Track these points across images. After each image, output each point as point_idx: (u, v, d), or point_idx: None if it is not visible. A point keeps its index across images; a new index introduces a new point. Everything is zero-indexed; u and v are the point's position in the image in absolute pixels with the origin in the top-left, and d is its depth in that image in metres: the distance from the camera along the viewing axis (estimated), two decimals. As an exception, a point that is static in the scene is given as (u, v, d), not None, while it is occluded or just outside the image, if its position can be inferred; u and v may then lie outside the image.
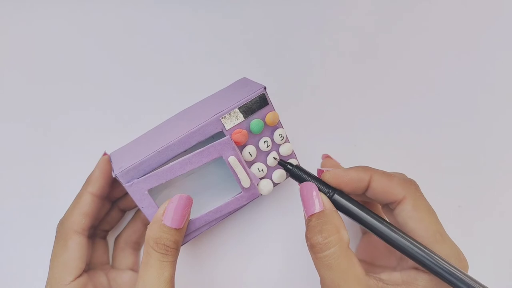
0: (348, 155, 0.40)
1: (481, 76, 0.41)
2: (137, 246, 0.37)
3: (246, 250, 0.39)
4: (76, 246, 0.31)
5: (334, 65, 0.40)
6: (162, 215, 0.29)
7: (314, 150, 0.39)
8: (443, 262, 0.26)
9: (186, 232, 0.32)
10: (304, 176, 0.31)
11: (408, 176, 0.31)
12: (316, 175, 0.31)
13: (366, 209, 0.29)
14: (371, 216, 0.29)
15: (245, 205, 0.33)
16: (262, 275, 0.39)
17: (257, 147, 0.33)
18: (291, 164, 0.31)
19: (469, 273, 0.27)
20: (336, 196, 0.29)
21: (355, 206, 0.29)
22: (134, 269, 0.36)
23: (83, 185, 0.33)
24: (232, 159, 0.31)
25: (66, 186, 0.34)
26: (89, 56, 0.38)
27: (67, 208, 0.32)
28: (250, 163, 0.33)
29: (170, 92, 0.39)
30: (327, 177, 0.30)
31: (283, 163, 0.32)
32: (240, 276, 0.39)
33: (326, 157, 0.38)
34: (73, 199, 0.33)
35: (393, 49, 0.41)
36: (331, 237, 0.26)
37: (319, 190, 0.29)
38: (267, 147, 0.33)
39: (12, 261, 0.37)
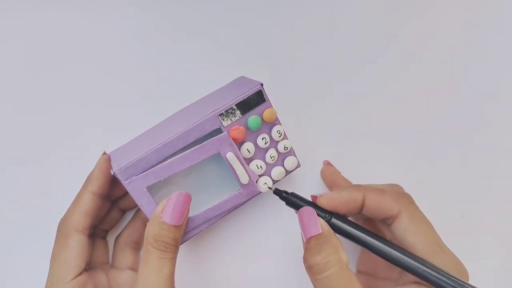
0: (347, 154, 0.40)
1: (484, 85, 0.41)
2: (137, 245, 0.37)
3: (246, 249, 0.39)
4: (76, 244, 0.31)
5: (336, 66, 0.40)
6: (161, 212, 0.29)
7: (313, 148, 0.39)
8: (445, 274, 0.26)
9: (186, 230, 0.32)
10: (300, 202, 0.31)
11: (411, 185, 0.32)
12: (311, 200, 0.31)
13: (363, 229, 0.29)
14: (369, 236, 0.29)
15: (244, 202, 0.34)
16: (262, 273, 0.39)
17: (255, 144, 0.33)
18: (286, 192, 0.32)
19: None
20: (334, 220, 0.30)
21: (352, 227, 0.29)
22: (134, 268, 0.36)
23: (83, 184, 0.33)
24: (230, 155, 0.31)
25: (67, 185, 0.34)
26: (88, 56, 0.38)
27: (68, 207, 0.33)
28: (249, 160, 0.34)
29: (169, 92, 0.39)
30: (322, 202, 0.30)
31: (278, 192, 0.32)
32: (240, 274, 0.39)
33: (327, 163, 0.39)
34: (74, 198, 0.33)
35: (396, 52, 0.41)
36: (330, 257, 0.26)
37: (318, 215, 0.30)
38: (265, 143, 0.33)
39: (13, 260, 0.37)
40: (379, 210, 0.29)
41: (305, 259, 0.27)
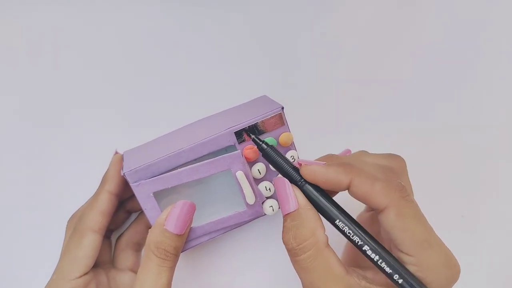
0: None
1: (484, 85, 0.40)
2: (138, 247, 0.37)
3: (245, 259, 0.39)
4: (91, 244, 0.31)
5: (336, 65, 0.40)
6: (165, 220, 0.29)
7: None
8: (396, 266, 0.26)
9: (187, 240, 0.32)
10: (277, 158, 0.29)
11: (412, 185, 0.30)
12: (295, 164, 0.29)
13: (336, 205, 0.28)
14: (338, 213, 0.27)
15: (247, 222, 0.33)
16: (260, 284, 0.39)
17: (267, 166, 0.33)
18: (266, 143, 0.29)
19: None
20: (307, 187, 0.28)
21: (323, 200, 0.28)
22: (134, 269, 0.36)
23: (100, 183, 0.33)
24: (240, 174, 0.31)
25: (70, 186, 0.34)
26: (98, 58, 0.39)
27: (70, 207, 0.33)
28: (258, 181, 0.33)
29: (178, 94, 0.39)
30: (304, 173, 0.28)
31: (256, 140, 0.30)
32: (239, 285, 0.38)
33: (347, 152, 0.36)
34: (89, 198, 0.33)
35: (397, 52, 0.40)
36: (306, 242, 0.26)
37: (292, 177, 0.28)
38: (277, 167, 0.33)
39: (12, 261, 0.38)
40: (365, 200, 0.27)
41: (283, 241, 0.27)
